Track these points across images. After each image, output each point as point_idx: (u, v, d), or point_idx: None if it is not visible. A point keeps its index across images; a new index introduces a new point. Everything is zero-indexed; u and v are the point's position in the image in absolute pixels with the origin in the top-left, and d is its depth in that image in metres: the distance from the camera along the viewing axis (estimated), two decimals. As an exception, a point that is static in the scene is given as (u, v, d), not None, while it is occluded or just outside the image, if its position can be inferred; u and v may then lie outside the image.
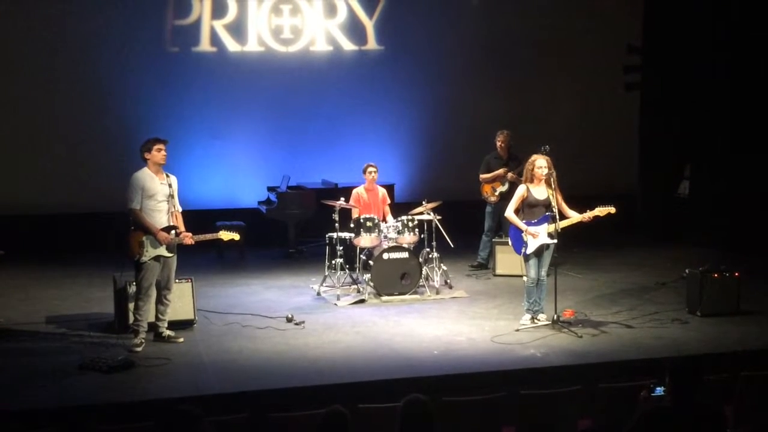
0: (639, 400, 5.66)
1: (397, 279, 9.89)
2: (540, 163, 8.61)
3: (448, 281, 10.42)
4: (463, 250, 11.25)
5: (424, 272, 10.10)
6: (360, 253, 10.21)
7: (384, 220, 10.50)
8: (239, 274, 11.33)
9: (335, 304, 9.68)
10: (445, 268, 10.41)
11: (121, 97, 12.93)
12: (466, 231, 11.28)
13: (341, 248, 10.23)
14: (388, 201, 10.84)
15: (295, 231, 12.57)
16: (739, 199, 12.59)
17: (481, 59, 14.16)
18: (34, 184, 12.73)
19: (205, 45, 13.40)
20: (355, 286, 10.14)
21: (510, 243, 8.96)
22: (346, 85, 13.84)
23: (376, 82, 13.92)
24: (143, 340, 8.07)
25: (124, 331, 8.36)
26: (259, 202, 13.01)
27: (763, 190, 12.45)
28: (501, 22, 14.19)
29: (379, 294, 9.86)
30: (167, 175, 8.21)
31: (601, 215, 8.62)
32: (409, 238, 10.10)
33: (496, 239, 11.09)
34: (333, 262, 10.29)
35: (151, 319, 8.25)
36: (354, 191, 10.70)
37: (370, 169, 10.60)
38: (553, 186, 8.56)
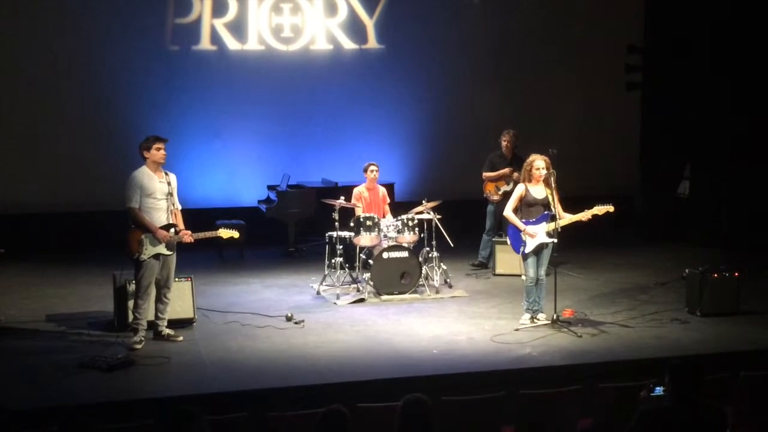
0: (639, 400, 5.66)
1: (396, 278, 9.89)
2: (538, 164, 8.62)
3: (448, 280, 10.42)
4: (462, 250, 11.24)
5: (423, 271, 10.10)
6: (360, 252, 10.20)
7: (384, 219, 10.49)
8: (239, 273, 11.33)
9: (335, 303, 9.68)
10: (444, 267, 10.41)
11: (121, 96, 12.92)
12: (466, 230, 11.27)
13: (341, 247, 10.23)
14: (388, 200, 10.84)
15: (295, 230, 12.57)
16: (739, 199, 12.59)
17: (481, 58, 14.16)
18: (33, 182, 12.71)
19: (205, 43, 13.39)
20: (355, 285, 10.14)
21: (509, 242, 8.97)
22: (346, 84, 13.83)
23: (377, 81, 13.91)
24: (143, 339, 8.07)
25: (124, 330, 8.35)
26: (259, 201, 13.01)
27: (763, 191, 12.45)
28: (501, 22, 14.18)
29: (378, 293, 9.86)
30: (166, 174, 8.21)
31: (600, 214, 8.62)
32: (408, 238, 10.10)
33: (496, 239, 11.09)
34: (333, 261, 10.29)
35: (151, 317, 8.24)
36: (355, 190, 10.69)
37: (372, 168, 10.60)
38: (552, 186, 8.56)
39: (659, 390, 5.61)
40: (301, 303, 9.74)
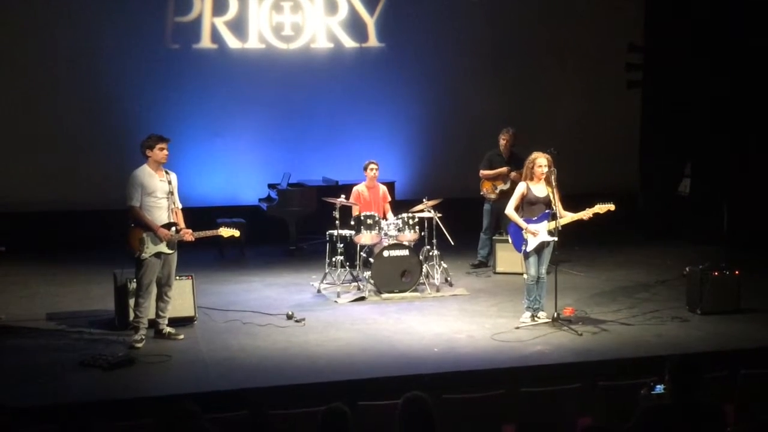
0: (639, 398, 5.66)
1: (397, 276, 9.90)
2: (540, 161, 8.61)
3: (449, 279, 10.42)
4: (463, 248, 11.24)
5: (424, 270, 10.10)
6: (360, 250, 10.21)
7: (384, 217, 10.50)
8: (240, 272, 11.33)
9: (335, 302, 9.69)
10: (445, 265, 10.42)
11: (122, 94, 12.92)
12: (466, 229, 11.27)
13: (342, 245, 10.23)
14: (389, 198, 10.84)
15: (295, 228, 12.57)
16: (740, 197, 12.59)
17: (482, 57, 14.15)
18: (34, 181, 12.72)
19: (205, 42, 13.39)
20: (356, 284, 10.15)
21: (510, 241, 8.97)
22: (347, 83, 13.83)
23: (377, 79, 13.91)
24: (143, 337, 8.07)
25: (125, 328, 8.36)
26: (260, 200, 13.01)
27: (763, 188, 12.45)
28: (502, 20, 14.18)
29: (379, 291, 9.87)
30: (166, 172, 8.21)
31: (601, 212, 8.61)
32: (409, 236, 10.10)
33: (496, 237, 11.08)
34: (333, 259, 10.30)
35: (152, 316, 8.25)
36: (354, 188, 10.70)
37: (372, 166, 10.60)
38: (553, 184, 8.56)
39: (659, 388, 5.60)
40: (301, 301, 9.75)
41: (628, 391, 6.07)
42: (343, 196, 10.46)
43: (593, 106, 14.49)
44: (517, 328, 8.55)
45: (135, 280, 8.20)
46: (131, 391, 6.99)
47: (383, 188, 10.79)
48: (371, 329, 8.65)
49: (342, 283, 10.22)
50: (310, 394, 6.78)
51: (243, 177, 13.46)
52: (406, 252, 9.94)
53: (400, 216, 10.21)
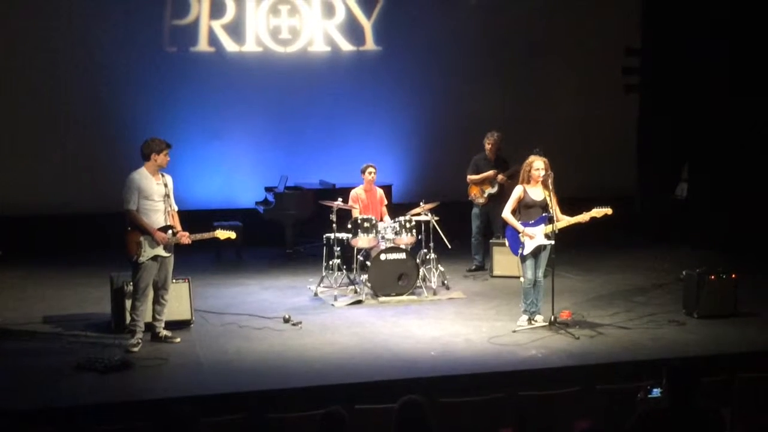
0: (636, 402, 5.66)
1: (394, 280, 9.89)
2: (537, 165, 8.61)
3: (446, 282, 10.41)
4: (460, 252, 11.25)
5: (421, 273, 10.10)
6: (357, 253, 10.20)
7: (381, 220, 10.50)
8: (236, 275, 11.32)
9: (332, 305, 9.68)
10: (442, 269, 10.41)
11: (119, 97, 12.91)
12: (463, 232, 11.27)
13: (339, 249, 10.23)
14: (386, 202, 10.84)
15: (292, 231, 12.56)
16: (737, 201, 12.60)
17: (479, 60, 14.16)
18: (31, 184, 12.70)
19: (203, 45, 13.38)
20: (353, 287, 10.14)
21: (507, 244, 8.96)
22: (344, 86, 13.83)
23: (374, 82, 13.91)
24: (140, 341, 8.05)
25: (121, 332, 8.33)
26: (257, 203, 13.00)
27: (761, 193, 12.46)
28: (499, 24, 14.19)
29: (376, 295, 9.86)
30: (162, 175, 8.20)
31: (599, 216, 8.62)
32: (406, 239, 10.10)
33: (493, 240, 11.07)
34: (330, 262, 10.29)
35: (148, 319, 8.24)
36: (353, 192, 10.69)
37: (370, 169, 10.59)
38: (550, 188, 8.56)
39: (657, 392, 5.61)
40: (298, 304, 9.74)
41: (626, 395, 6.08)
42: (340, 199, 10.46)
43: (591, 109, 14.50)
44: (515, 331, 8.54)
45: (132, 283, 8.19)
46: (127, 394, 6.98)
47: (380, 191, 10.79)
48: (368, 333, 8.64)
49: (339, 287, 10.21)
50: (306, 398, 6.76)
51: (240, 180, 13.45)
52: (403, 255, 9.93)
53: (397, 219, 10.21)
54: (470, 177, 11.20)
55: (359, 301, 9.75)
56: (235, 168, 13.46)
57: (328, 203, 10.43)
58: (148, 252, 8.01)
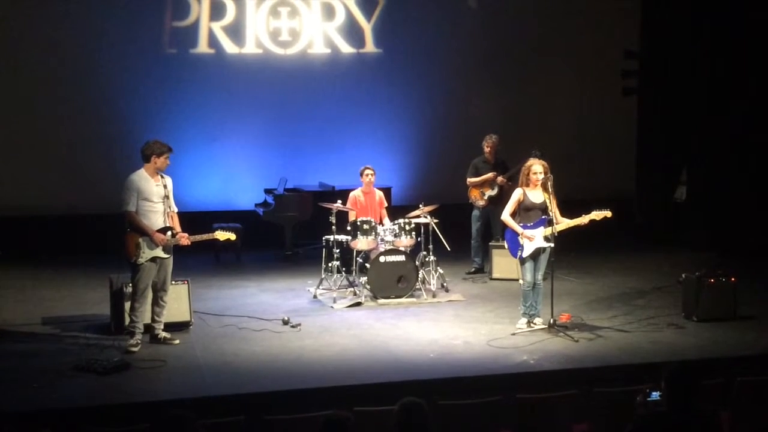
0: (635, 405, 5.66)
1: (393, 282, 9.89)
2: (536, 168, 8.61)
3: (445, 284, 10.41)
4: (459, 254, 11.24)
5: (420, 275, 10.10)
6: (357, 255, 10.20)
7: (381, 223, 10.50)
8: (235, 277, 11.32)
9: (332, 307, 9.68)
10: (441, 271, 10.41)
11: (119, 99, 12.92)
12: (462, 234, 11.27)
13: (338, 251, 10.23)
14: (385, 204, 10.84)
15: (291, 233, 12.56)
16: (736, 205, 12.60)
17: (478, 63, 14.17)
18: (30, 185, 12.70)
19: (203, 47, 13.40)
20: (352, 289, 10.13)
21: (506, 246, 8.96)
22: (343, 88, 13.84)
23: (374, 84, 13.92)
24: (139, 342, 8.05)
25: (120, 333, 8.33)
26: (256, 205, 13.00)
27: (760, 196, 12.46)
28: (499, 26, 14.21)
29: (375, 297, 9.86)
30: (161, 176, 8.19)
31: (598, 219, 8.61)
32: (405, 242, 10.10)
33: (492, 243, 11.08)
34: (330, 264, 10.30)
35: (147, 320, 8.24)
36: (351, 194, 10.70)
37: (368, 171, 10.60)
38: (549, 190, 8.56)
39: (656, 395, 5.60)
40: (297, 306, 9.73)
41: (624, 398, 6.07)
42: (339, 201, 10.46)
43: (590, 112, 14.51)
44: (514, 334, 8.54)
45: (131, 284, 8.19)
46: (126, 396, 6.97)
47: (380, 194, 10.80)
48: (367, 335, 8.64)
49: (338, 289, 10.20)
50: (306, 400, 6.77)
51: (239, 182, 13.45)
52: (402, 257, 9.93)
53: (396, 221, 10.21)
54: (470, 180, 11.22)
55: (358, 303, 9.75)
56: (234, 170, 13.47)
57: (327, 205, 10.44)
58: (147, 253, 8.01)
